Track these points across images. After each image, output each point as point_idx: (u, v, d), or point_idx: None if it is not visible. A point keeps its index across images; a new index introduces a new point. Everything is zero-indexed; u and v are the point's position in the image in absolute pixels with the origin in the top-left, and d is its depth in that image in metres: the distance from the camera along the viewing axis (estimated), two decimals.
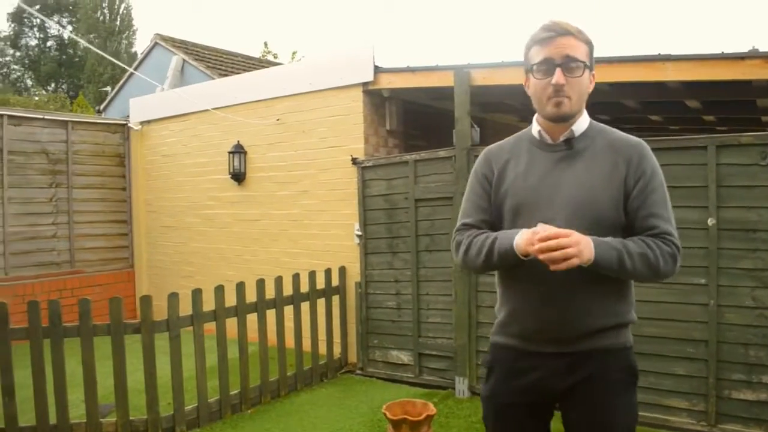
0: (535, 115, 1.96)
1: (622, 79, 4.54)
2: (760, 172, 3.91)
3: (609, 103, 5.94)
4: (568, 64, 1.80)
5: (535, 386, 1.92)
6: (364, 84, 5.84)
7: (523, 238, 1.75)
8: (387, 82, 5.71)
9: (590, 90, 1.91)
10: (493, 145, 2.09)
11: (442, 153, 5.21)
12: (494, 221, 1.99)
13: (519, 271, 1.87)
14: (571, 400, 1.90)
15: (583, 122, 1.91)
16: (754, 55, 4.04)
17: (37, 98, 32.13)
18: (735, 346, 3.99)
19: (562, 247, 1.64)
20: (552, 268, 1.67)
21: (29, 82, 39.88)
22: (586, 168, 1.86)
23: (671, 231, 1.82)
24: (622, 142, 1.89)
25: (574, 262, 1.65)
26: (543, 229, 1.69)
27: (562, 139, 1.91)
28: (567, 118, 1.86)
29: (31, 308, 4.23)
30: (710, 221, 4.04)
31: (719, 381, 4.03)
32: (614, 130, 1.95)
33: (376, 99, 5.98)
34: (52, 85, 39.24)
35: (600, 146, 1.88)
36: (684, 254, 4.06)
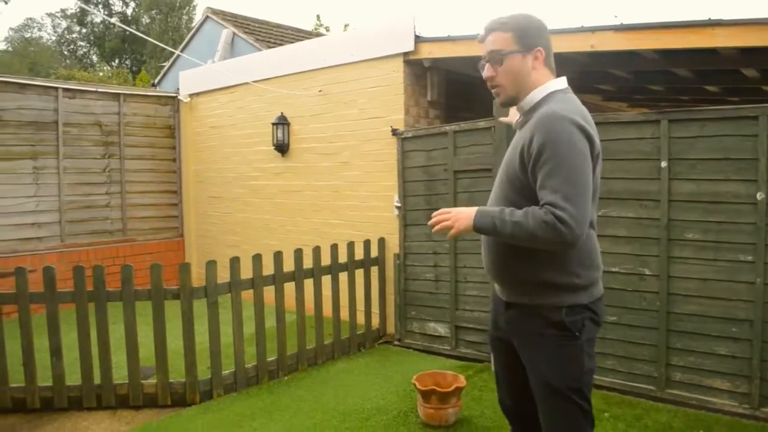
0: None
1: (670, 46, 4.34)
2: None
3: (660, 73, 5.69)
4: (493, 57, 2.13)
5: (500, 325, 2.31)
6: (405, 54, 5.77)
7: None
8: (428, 52, 5.62)
9: (533, 65, 2.12)
10: None
11: (481, 124, 5.11)
12: None
13: None
14: (516, 344, 2.23)
15: (534, 96, 2.13)
16: None
17: (101, 74, 33.18)
18: None
19: (440, 222, 2.11)
20: (448, 236, 2.12)
21: (95, 58, 41.19)
22: (514, 142, 2.18)
23: (554, 200, 1.90)
24: (538, 115, 2.04)
25: (452, 233, 2.08)
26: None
27: (520, 113, 2.22)
28: (508, 103, 2.22)
29: (76, 273, 4.41)
30: (759, 195, 3.84)
31: (764, 363, 3.86)
32: (553, 104, 2.05)
33: (417, 69, 5.90)
34: (116, 60, 40.40)
35: (529, 121, 2.09)
36: (730, 230, 3.94)
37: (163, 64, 23.59)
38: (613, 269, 4.33)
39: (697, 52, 4.57)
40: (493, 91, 2.20)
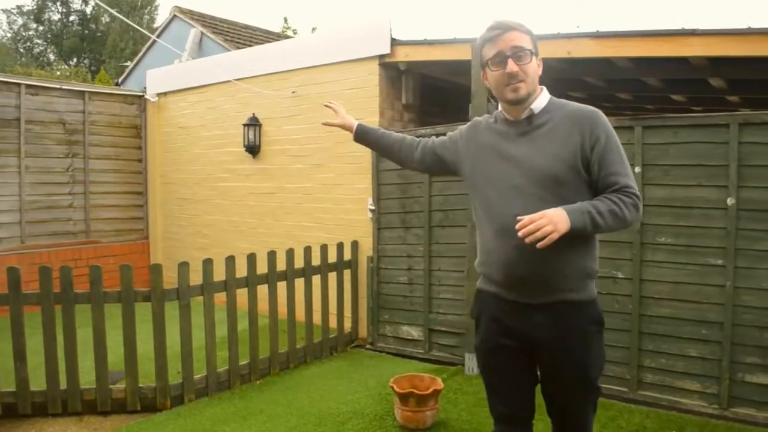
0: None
1: (645, 54, 4.43)
2: None
3: (630, 81, 5.81)
4: (517, 53, 2.10)
5: (516, 332, 2.19)
6: (381, 57, 5.76)
7: None
8: (404, 55, 5.62)
9: (539, 72, 2.19)
10: (468, 124, 2.43)
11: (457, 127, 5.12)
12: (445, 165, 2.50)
13: (494, 228, 2.16)
14: (543, 347, 2.16)
15: (541, 100, 2.19)
16: None
17: (59, 73, 32.34)
18: (750, 328, 3.92)
19: (540, 227, 1.89)
20: (538, 246, 1.91)
21: (51, 57, 40.11)
22: (546, 139, 2.14)
23: (629, 183, 2.08)
24: (577, 113, 2.15)
25: (554, 236, 1.90)
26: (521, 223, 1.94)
27: (523, 116, 2.18)
28: (524, 100, 2.15)
29: (42, 274, 4.26)
30: (730, 201, 3.94)
31: (733, 364, 3.97)
32: (572, 103, 2.21)
33: (393, 72, 5.90)
34: (74, 59, 39.43)
35: (558, 119, 2.15)
36: (701, 234, 4.04)
37: (125, 63, 23.16)
38: None
39: (669, 61, 4.68)
40: (510, 86, 2.12)
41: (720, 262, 4.00)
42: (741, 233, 3.93)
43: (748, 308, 3.91)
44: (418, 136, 5.23)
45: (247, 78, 6.91)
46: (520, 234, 1.92)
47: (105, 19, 38.14)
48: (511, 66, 2.09)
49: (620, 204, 2.03)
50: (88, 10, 40.14)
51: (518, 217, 1.96)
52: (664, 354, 4.21)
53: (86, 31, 38.89)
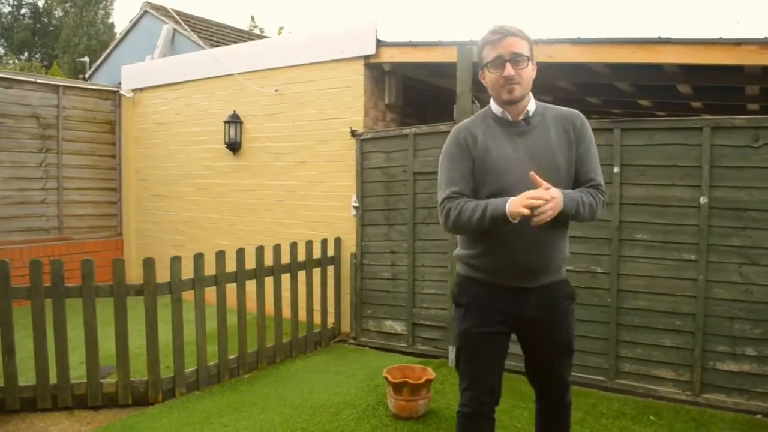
0: (491, 100, 2.45)
1: (620, 61, 4.66)
2: (751, 153, 4.08)
3: (602, 86, 6.06)
4: (515, 58, 2.27)
5: (510, 315, 2.41)
6: (366, 57, 5.87)
7: (514, 202, 2.15)
8: (389, 56, 5.75)
9: (533, 76, 2.37)
10: (461, 123, 2.51)
11: (442, 127, 5.29)
12: (476, 187, 2.39)
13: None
14: (533, 324, 2.43)
15: (532, 104, 2.41)
16: (749, 41, 4.18)
17: (10, 67, 31.36)
18: (721, 319, 4.17)
19: (549, 209, 2.11)
20: (535, 221, 2.12)
21: (1, 50, 38.84)
22: (544, 137, 2.36)
23: (602, 182, 2.42)
24: (565, 114, 2.42)
25: (551, 216, 2.13)
26: (533, 194, 2.13)
27: (521, 117, 2.38)
28: (518, 101, 2.34)
29: (33, 267, 4.26)
30: (702, 200, 4.20)
31: (705, 353, 4.22)
32: (554, 106, 2.47)
33: (377, 73, 6.03)
34: (25, 53, 38.27)
35: (549, 119, 2.40)
36: (676, 231, 4.29)
37: (82, 59, 22.62)
38: (568, 268, 4.55)
39: (642, 67, 4.93)
40: (506, 88, 2.29)
41: (693, 257, 4.25)
42: (712, 230, 4.19)
43: (719, 300, 4.18)
44: (403, 135, 5.39)
45: (228, 75, 6.93)
46: (535, 204, 2.09)
47: (58, 13, 37.13)
48: (509, 70, 2.26)
49: (596, 200, 2.36)
50: (41, 3, 39.04)
51: (532, 173, 2.17)
52: (640, 344, 4.44)
53: (38, 25, 37.82)
